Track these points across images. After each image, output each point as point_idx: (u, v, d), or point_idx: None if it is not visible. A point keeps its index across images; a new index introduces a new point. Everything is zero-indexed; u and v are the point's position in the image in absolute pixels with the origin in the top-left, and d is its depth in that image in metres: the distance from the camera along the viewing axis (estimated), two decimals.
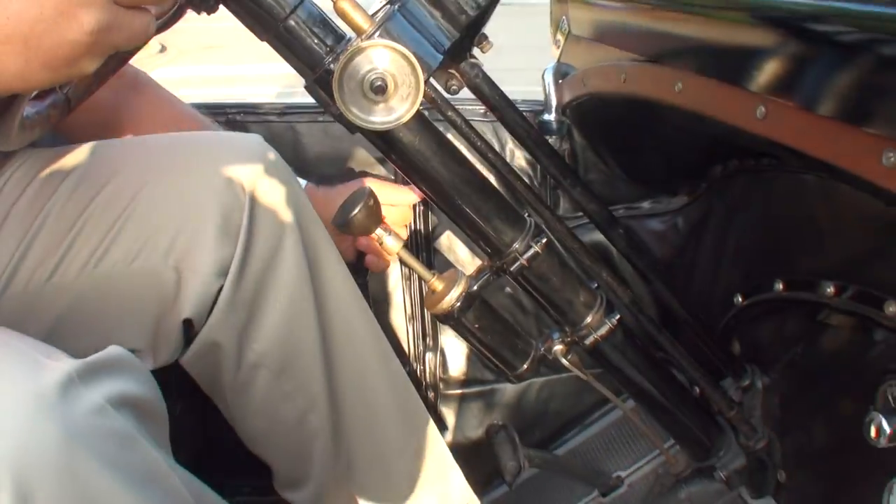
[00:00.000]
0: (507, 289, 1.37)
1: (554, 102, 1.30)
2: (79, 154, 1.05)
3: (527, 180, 1.24)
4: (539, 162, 1.01)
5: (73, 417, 0.62)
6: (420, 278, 1.14)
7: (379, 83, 0.67)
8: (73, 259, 0.97)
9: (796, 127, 0.65)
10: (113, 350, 0.73)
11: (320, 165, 1.37)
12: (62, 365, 0.65)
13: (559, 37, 1.34)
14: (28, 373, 0.64)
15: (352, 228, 0.83)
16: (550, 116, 1.30)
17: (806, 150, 0.64)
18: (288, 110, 1.37)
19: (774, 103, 0.68)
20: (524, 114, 1.00)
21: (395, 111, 0.70)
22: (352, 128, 0.74)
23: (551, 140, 1.30)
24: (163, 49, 7.81)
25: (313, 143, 1.39)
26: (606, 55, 1.09)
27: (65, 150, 1.05)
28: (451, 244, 1.39)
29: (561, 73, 1.30)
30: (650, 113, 0.99)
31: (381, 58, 0.68)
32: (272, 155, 1.06)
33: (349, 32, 0.74)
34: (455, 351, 1.43)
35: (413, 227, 1.36)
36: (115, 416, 0.67)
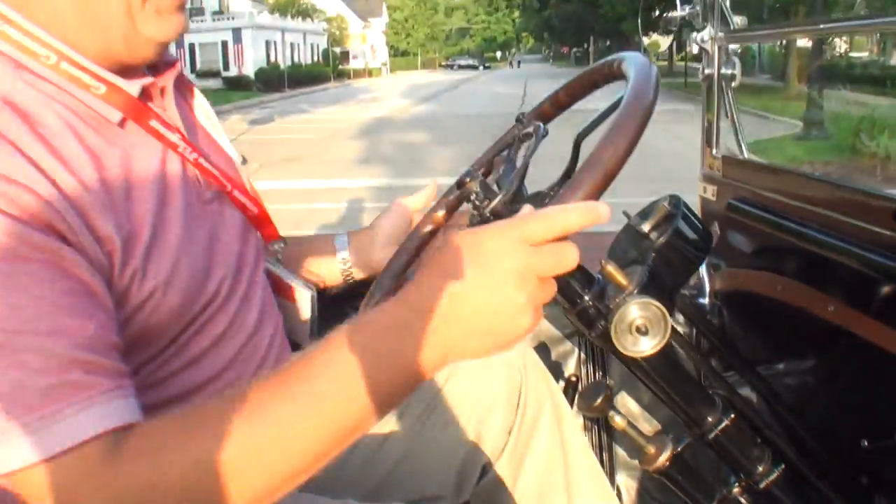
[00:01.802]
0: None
1: (708, 288, 1.66)
2: None
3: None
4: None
5: None
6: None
7: (644, 328, 0.99)
8: (407, 416, 1.34)
9: None
10: None
11: None
12: None
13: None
14: None
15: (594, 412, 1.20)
16: (705, 300, 1.66)
17: None
18: None
19: None
20: None
21: (651, 343, 1.01)
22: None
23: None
24: (244, 161, 8.47)
25: None
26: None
27: None
28: None
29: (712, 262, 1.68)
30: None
31: (643, 309, 1.01)
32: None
33: None
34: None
35: None
36: None
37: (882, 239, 1.20)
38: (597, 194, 0.89)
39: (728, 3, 1.62)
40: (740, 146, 1.68)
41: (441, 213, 1.37)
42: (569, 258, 0.79)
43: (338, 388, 0.76)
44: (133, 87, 0.98)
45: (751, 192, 1.54)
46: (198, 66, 48.09)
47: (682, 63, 43.85)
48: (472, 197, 1.15)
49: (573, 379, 1.77)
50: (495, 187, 1.19)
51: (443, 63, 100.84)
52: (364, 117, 23.32)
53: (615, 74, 1.18)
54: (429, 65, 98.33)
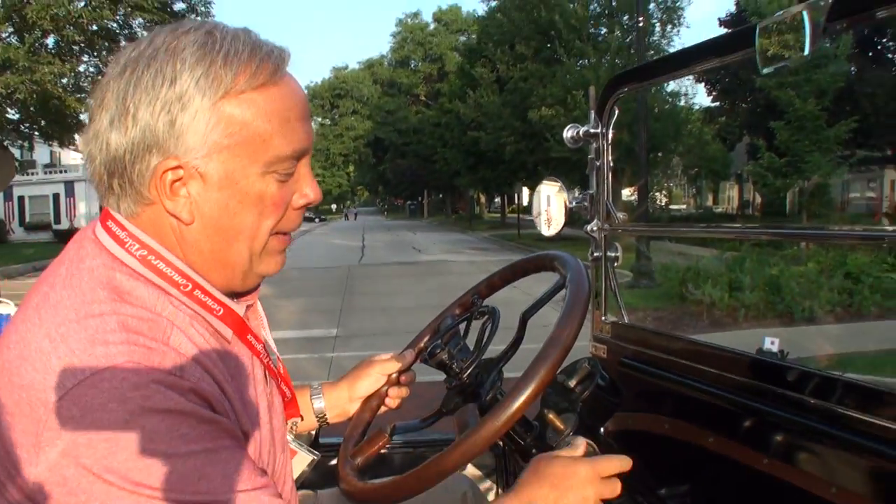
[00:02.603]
0: None
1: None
2: None
3: None
4: None
5: None
6: None
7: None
8: None
9: None
10: None
11: None
12: None
13: None
14: None
15: None
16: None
17: None
18: None
19: None
20: None
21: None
22: None
23: None
24: None
25: None
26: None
27: None
28: None
29: None
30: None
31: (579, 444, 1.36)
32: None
33: None
34: None
35: None
36: None
37: (742, 384, 1.61)
38: (559, 364, 1.25)
39: (612, 203, 2.06)
40: (621, 313, 2.10)
41: (395, 376, 1.70)
42: (619, 488, 1.26)
43: None
44: (240, 308, 1.22)
45: (635, 351, 1.94)
46: (27, 218, 46.79)
47: (514, 215, 46.03)
48: (449, 364, 1.49)
49: None
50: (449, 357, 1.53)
51: None
52: None
53: (545, 267, 1.56)
54: None
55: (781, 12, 1.30)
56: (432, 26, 73.47)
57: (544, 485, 1.21)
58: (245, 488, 1.02)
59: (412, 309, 14.68)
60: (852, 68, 22.34)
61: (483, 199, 71.33)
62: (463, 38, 63.33)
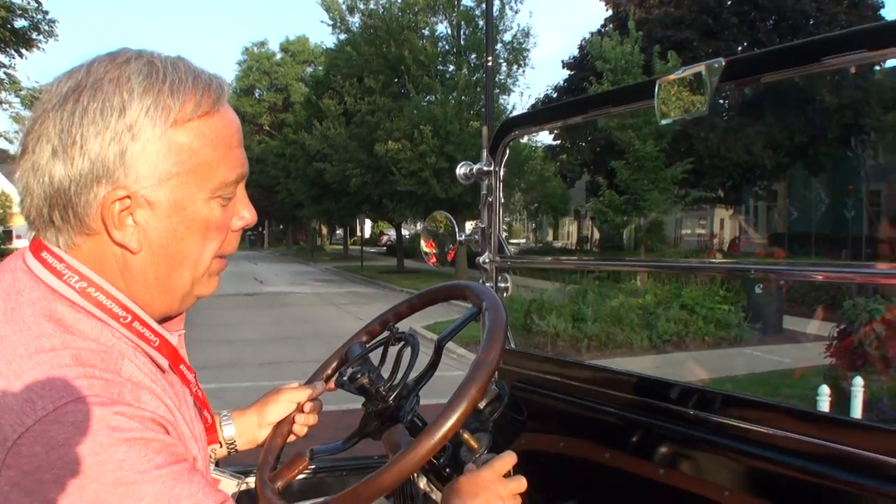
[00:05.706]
0: None
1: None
2: None
3: None
4: None
5: None
6: None
7: None
8: None
9: None
10: None
11: None
12: None
13: None
14: None
15: None
16: None
17: None
18: None
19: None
20: None
21: None
22: None
23: None
24: None
25: None
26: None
27: None
28: None
29: None
30: None
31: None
32: None
33: None
34: None
35: None
36: None
37: (627, 400, 1.76)
38: (487, 385, 1.34)
39: (504, 237, 2.20)
40: (509, 340, 2.23)
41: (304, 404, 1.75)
42: (524, 482, 1.35)
43: None
44: (173, 338, 1.23)
45: (525, 375, 2.08)
46: None
47: (357, 247, 46.00)
48: (370, 388, 1.56)
49: None
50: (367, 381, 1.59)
51: None
52: None
53: (456, 296, 1.67)
54: None
55: (682, 70, 1.47)
56: (279, 56, 72.69)
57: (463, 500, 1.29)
58: (212, 502, 1.04)
59: (258, 341, 14.48)
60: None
61: (325, 230, 71.02)
62: (310, 70, 62.99)
